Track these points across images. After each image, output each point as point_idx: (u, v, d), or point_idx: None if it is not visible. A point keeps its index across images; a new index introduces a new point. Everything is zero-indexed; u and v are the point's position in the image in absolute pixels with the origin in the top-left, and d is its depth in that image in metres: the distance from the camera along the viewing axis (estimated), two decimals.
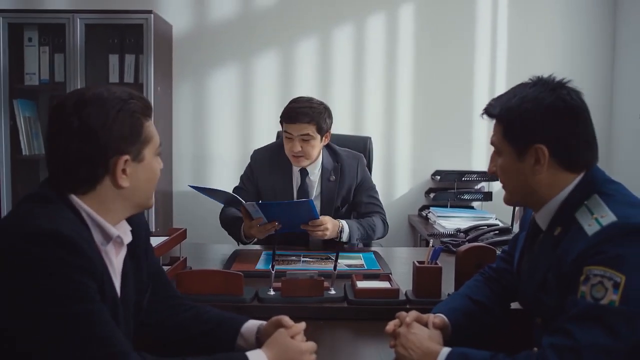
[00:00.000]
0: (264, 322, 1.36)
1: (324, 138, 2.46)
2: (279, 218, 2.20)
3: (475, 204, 3.44)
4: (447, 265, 1.79)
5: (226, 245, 2.44)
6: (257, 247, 2.44)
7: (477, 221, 2.82)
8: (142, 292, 1.33)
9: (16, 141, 3.23)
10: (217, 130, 3.52)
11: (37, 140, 3.30)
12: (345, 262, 2.09)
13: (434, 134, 3.57)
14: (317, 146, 2.45)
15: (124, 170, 1.19)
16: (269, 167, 2.52)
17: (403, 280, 1.84)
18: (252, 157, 2.59)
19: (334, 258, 1.78)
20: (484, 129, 3.52)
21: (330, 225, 2.29)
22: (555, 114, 1.30)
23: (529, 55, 3.52)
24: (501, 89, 3.51)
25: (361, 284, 1.72)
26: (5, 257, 1.04)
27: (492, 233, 2.47)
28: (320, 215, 2.31)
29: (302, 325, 1.32)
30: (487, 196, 3.41)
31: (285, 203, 2.29)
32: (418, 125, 3.57)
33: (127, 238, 1.26)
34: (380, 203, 2.59)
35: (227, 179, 3.33)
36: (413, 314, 1.41)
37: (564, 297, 1.21)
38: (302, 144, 2.39)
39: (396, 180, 3.62)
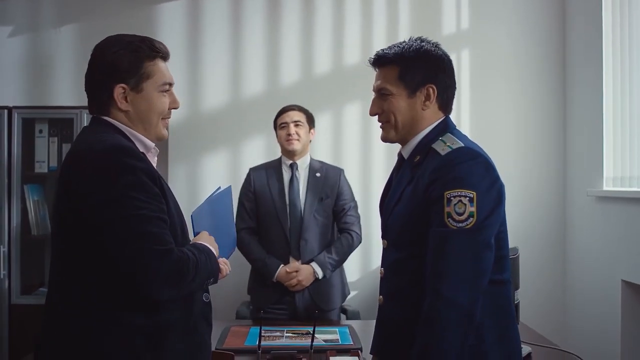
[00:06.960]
0: None
1: (310, 132, 3.13)
2: None
3: None
4: None
5: (217, 322, 2.75)
6: (248, 321, 2.81)
7: None
8: None
9: (26, 222, 3.53)
10: None
11: (44, 222, 3.60)
12: (322, 337, 2.41)
13: None
14: (307, 134, 3.08)
15: (125, 97, 1.51)
16: (264, 169, 3.17)
17: None
18: (249, 170, 3.22)
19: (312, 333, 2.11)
20: None
21: (302, 277, 2.85)
22: (442, 63, 1.64)
23: (489, 138, 3.88)
24: None
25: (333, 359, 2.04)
26: (92, 166, 1.39)
27: None
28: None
29: None
30: None
31: None
32: None
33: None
34: (358, 215, 3.17)
35: None
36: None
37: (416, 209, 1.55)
38: (295, 129, 3.06)
39: (372, 257, 3.79)
